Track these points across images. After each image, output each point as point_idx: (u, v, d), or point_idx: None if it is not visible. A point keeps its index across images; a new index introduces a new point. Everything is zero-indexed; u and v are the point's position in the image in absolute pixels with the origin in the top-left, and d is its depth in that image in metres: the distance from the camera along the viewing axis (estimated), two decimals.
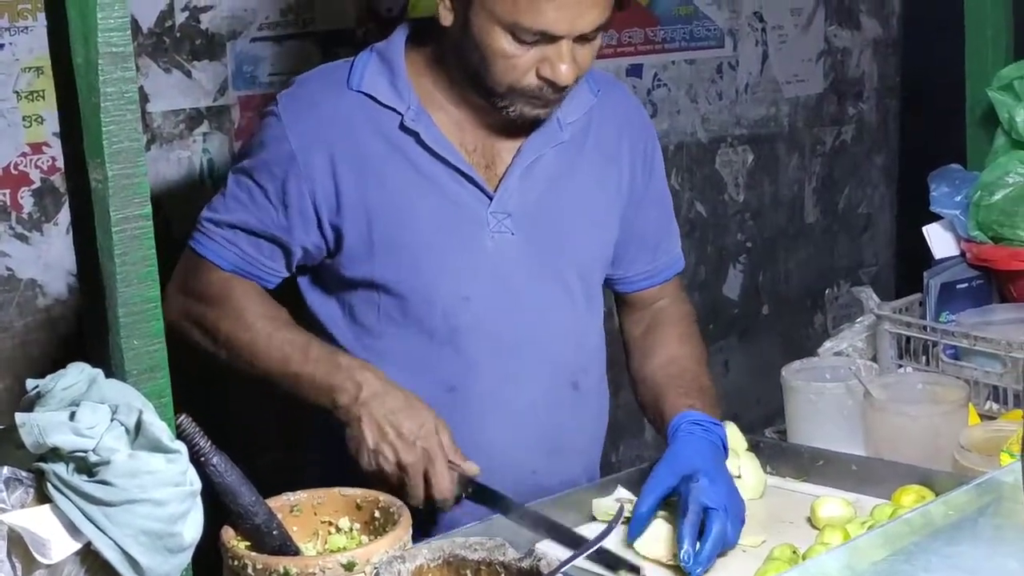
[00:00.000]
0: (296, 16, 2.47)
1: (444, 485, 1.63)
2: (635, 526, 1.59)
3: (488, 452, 1.72)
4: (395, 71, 1.75)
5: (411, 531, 1.33)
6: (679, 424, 1.71)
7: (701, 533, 1.54)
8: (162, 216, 2.35)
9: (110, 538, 1.12)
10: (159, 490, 1.13)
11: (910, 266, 2.81)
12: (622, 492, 1.72)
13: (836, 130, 3.54)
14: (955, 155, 2.41)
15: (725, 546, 1.56)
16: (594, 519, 1.69)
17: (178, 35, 2.34)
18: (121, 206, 1.22)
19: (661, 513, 1.63)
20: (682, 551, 1.51)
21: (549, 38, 1.63)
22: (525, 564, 1.24)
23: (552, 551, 1.27)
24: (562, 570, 1.21)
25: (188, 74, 2.36)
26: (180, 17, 2.34)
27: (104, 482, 1.12)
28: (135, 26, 2.27)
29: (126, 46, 1.21)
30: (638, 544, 1.58)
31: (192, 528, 1.16)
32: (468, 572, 1.28)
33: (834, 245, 3.62)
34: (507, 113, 1.72)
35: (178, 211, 2.39)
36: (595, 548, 1.25)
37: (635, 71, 3.07)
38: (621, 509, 1.34)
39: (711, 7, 3.20)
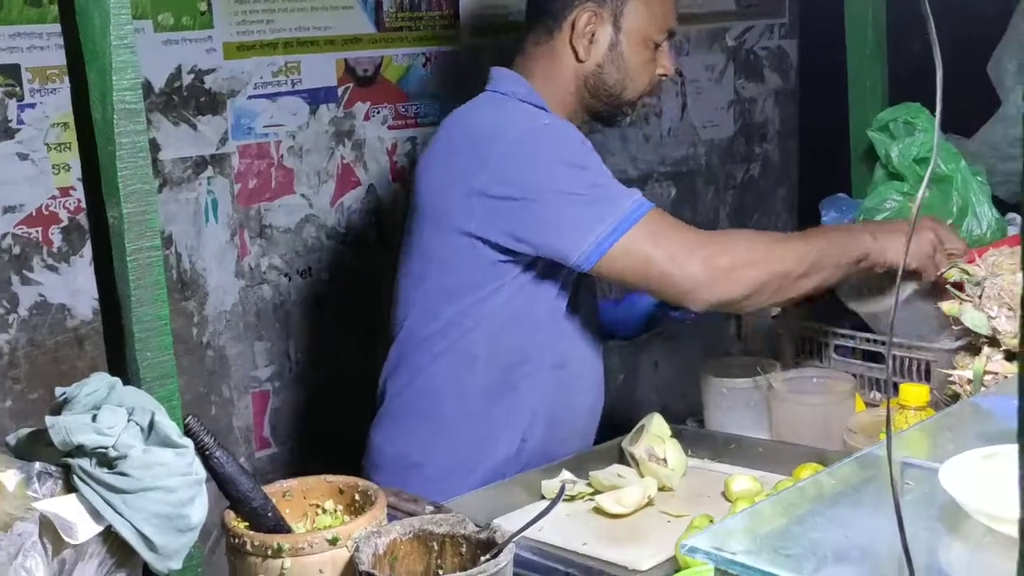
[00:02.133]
0: (286, 77, 2.48)
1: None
2: None
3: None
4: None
5: (386, 511, 1.33)
6: None
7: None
8: (174, 249, 2.36)
9: (128, 521, 1.12)
10: (170, 479, 1.14)
11: None
12: (566, 474, 1.73)
13: (745, 167, 3.57)
14: (842, 185, 2.44)
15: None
16: (543, 497, 1.71)
17: (185, 94, 2.34)
18: (134, 239, 1.24)
19: (619, 474, 1.69)
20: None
21: (669, 35, 1.82)
22: (483, 535, 1.25)
23: (506, 525, 1.28)
24: (514, 540, 1.22)
25: (194, 127, 2.37)
26: (187, 79, 2.34)
27: (122, 473, 1.12)
28: (148, 87, 2.27)
29: (138, 103, 1.23)
30: (600, 499, 1.63)
31: (198, 511, 1.17)
32: (435, 544, 1.28)
33: None
34: (622, 123, 1.89)
35: (187, 244, 2.39)
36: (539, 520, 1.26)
37: None
38: (563, 488, 1.35)
39: None
